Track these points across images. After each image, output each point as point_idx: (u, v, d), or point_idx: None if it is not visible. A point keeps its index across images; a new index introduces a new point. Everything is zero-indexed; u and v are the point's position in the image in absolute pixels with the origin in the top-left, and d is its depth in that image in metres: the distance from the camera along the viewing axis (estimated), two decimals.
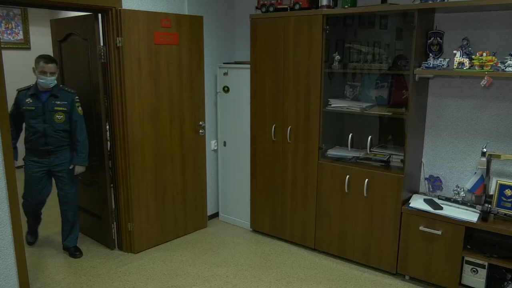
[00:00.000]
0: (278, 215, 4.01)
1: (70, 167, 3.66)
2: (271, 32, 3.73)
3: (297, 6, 3.60)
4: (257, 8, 3.86)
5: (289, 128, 3.76)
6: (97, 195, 3.92)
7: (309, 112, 3.62)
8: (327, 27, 3.43)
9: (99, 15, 3.52)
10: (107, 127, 3.74)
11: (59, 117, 3.51)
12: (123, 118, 3.58)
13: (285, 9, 3.68)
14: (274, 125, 3.85)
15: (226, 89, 4.25)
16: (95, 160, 3.82)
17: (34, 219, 3.97)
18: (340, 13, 3.41)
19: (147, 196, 3.82)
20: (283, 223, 4.00)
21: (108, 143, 3.77)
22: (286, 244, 4.01)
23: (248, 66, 3.96)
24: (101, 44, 3.56)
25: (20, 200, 3.26)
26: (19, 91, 3.54)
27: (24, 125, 3.58)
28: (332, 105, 3.61)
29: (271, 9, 3.76)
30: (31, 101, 3.45)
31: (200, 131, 4.15)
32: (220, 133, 4.41)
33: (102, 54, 3.55)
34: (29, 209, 3.82)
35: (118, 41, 3.44)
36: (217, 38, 4.39)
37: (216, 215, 4.64)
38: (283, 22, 3.64)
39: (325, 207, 3.67)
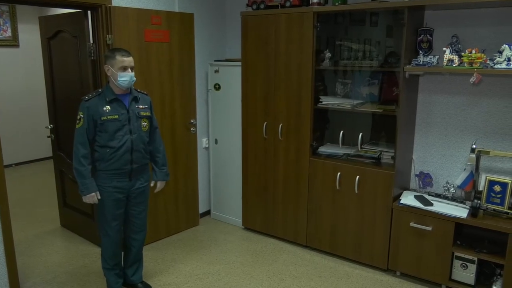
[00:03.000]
0: (270, 212, 4.01)
1: (152, 185, 3.14)
2: (262, 29, 3.73)
3: (288, 3, 3.60)
4: (248, 5, 3.86)
5: (280, 126, 3.76)
6: None
7: (300, 109, 3.62)
8: (318, 24, 3.43)
9: (89, 12, 3.48)
10: None
11: (144, 124, 2.92)
12: None
13: (276, 6, 3.68)
14: (266, 122, 3.85)
15: (217, 87, 4.24)
16: None
17: (119, 255, 3.11)
18: (331, 10, 3.41)
19: None
20: (275, 220, 4.00)
21: None
22: (278, 241, 4.02)
23: (239, 63, 3.96)
24: (91, 41, 3.52)
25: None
26: (87, 99, 2.77)
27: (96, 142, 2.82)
28: (323, 102, 3.61)
29: (262, 6, 3.75)
30: (110, 108, 2.77)
31: (192, 128, 4.14)
32: (212, 130, 4.40)
33: (92, 51, 3.51)
34: (116, 246, 3.01)
35: (108, 39, 3.41)
36: (208, 35, 4.37)
37: (208, 213, 4.64)
38: (274, 19, 3.64)
39: (317, 204, 3.68)
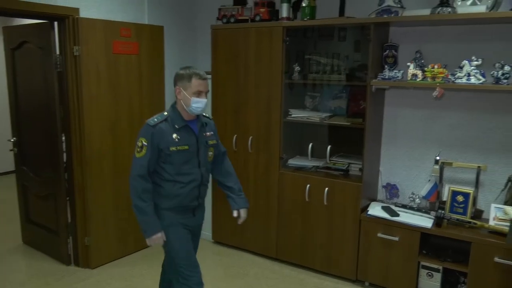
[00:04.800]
0: (240, 226, 3.98)
1: (235, 215, 2.71)
2: (232, 43, 3.76)
3: (257, 18, 3.65)
4: (218, 19, 3.89)
5: (250, 138, 3.78)
6: (52, 208, 3.77)
7: (270, 122, 3.65)
8: (287, 38, 3.49)
9: (55, 23, 3.42)
10: (63, 138, 3.61)
11: (210, 153, 2.56)
12: (80, 128, 3.48)
13: (246, 20, 3.72)
14: (235, 135, 3.86)
15: None
16: (49, 172, 3.68)
17: None
18: (300, 25, 3.49)
19: (105, 209, 3.71)
20: (245, 234, 3.99)
21: (64, 154, 3.64)
22: (248, 254, 4.00)
23: (210, 76, 3.96)
24: (57, 52, 3.46)
25: None
26: (154, 124, 2.35)
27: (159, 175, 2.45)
28: (292, 115, 3.66)
29: (232, 20, 3.79)
30: (179, 137, 2.38)
31: None
32: None
33: (58, 63, 3.44)
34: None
35: (75, 50, 3.36)
36: (178, 48, 4.37)
37: None
38: (244, 33, 3.68)
39: (287, 216, 3.69)
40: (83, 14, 3.43)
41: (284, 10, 3.56)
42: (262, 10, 3.62)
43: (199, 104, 2.37)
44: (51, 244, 3.87)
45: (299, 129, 3.90)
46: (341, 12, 3.47)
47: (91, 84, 3.46)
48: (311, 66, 3.72)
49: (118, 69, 3.63)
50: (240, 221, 2.73)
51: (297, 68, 3.61)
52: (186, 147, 2.39)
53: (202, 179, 2.49)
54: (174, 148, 2.35)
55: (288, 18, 3.57)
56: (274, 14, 3.66)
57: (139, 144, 2.36)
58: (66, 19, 3.34)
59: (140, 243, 4.04)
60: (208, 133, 2.53)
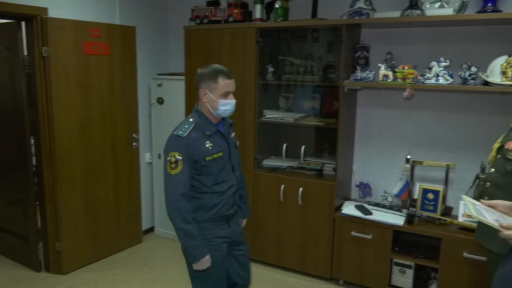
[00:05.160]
0: None
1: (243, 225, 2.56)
2: (205, 43, 3.74)
3: (231, 19, 3.64)
4: (191, 19, 3.86)
5: None
6: (21, 213, 3.67)
7: (244, 123, 3.65)
8: (261, 39, 3.50)
9: (23, 23, 3.33)
10: (32, 141, 3.52)
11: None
12: (49, 131, 3.40)
13: (219, 21, 3.71)
14: None
15: (160, 101, 4.18)
16: (18, 176, 3.58)
17: None
18: (273, 26, 3.51)
19: (77, 213, 3.63)
20: None
21: (34, 158, 3.55)
22: None
23: (183, 77, 3.94)
24: (25, 53, 3.36)
25: None
26: (185, 135, 2.13)
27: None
28: (267, 116, 3.67)
29: (205, 21, 3.77)
30: (212, 144, 2.19)
31: (134, 143, 4.04)
32: (155, 145, 4.32)
33: (26, 64, 3.35)
34: None
35: (43, 51, 3.28)
36: (151, 49, 4.32)
37: (151, 229, 4.52)
38: (217, 34, 3.66)
39: (262, 217, 3.70)
40: (52, 14, 3.35)
41: (257, 11, 3.58)
42: (235, 11, 3.62)
43: (228, 107, 2.18)
44: (21, 250, 3.76)
45: (274, 130, 3.91)
46: (314, 13, 3.51)
47: (61, 86, 3.38)
48: (285, 67, 3.74)
49: (89, 70, 3.56)
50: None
51: (271, 69, 3.63)
52: (221, 153, 2.21)
53: (238, 185, 2.33)
54: (210, 158, 2.15)
55: (261, 19, 3.58)
56: (247, 15, 3.66)
57: (172, 159, 2.10)
58: (34, 19, 3.26)
59: (113, 247, 3.98)
60: (233, 135, 2.39)
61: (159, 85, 4.16)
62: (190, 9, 3.86)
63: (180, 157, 2.10)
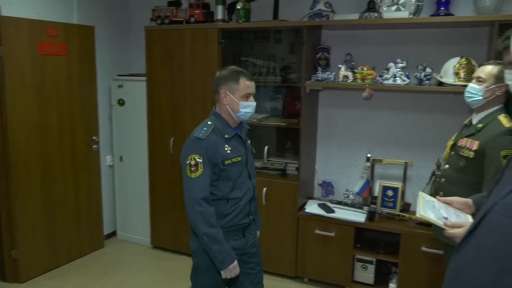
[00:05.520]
0: (180, 229, 3.94)
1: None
2: (167, 44, 3.70)
3: (192, 19, 3.62)
4: (152, 19, 3.81)
5: None
6: None
7: None
8: (223, 40, 3.50)
9: None
10: None
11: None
12: (3, 133, 3.26)
13: (181, 22, 3.68)
14: (173, 138, 3.81)
15: (121, 102, 4.10)
16: None
17: None
18: (235, 27, 3.51)
19: (34, 218, 3.49)
20: (185, 237, 3.92)
21: None
22: (188, 258, 3.93)
23: (145, 78, 3.88)
24: None
25: None
26: (204, 137, 2.05)
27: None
28: None
29: (166, 21, 3.73)
30: (230, 148, 2.12)
31: (94, 146, 3.94)
32: (116, 147, 4.23)
33: None
34: None
35: None
36: (111, 49, 4.23)
37: (113, 234, 4.42)
38: (179, 34, 3.64)
39: None
40: (5, 12, 3.22)
41: (219, 12, 3.58)
42: (197, 11, 3.60)
43: (249, 109, 2.12)
44: None
45: None
46: (275, 15, 3.54)
47: (16, 87, 3.25)
48: (247, 68, 3.76)
49: (46, 71, 3.44)
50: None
51: None
52: (239, 158, 2.13)
53: (254, 193, 2.25)
54: (229, 161, 2.08)
55: (223, 20, 3.59)
56: (209, 16, 3.65)
57: (192, 162, 2.03)
58: None
59: (73, 253, 3.86)
60: (249, 140, 2.32)
61: (120, 86, 4.08)
62: (151, 9, 3.81)
63: (200, 160, 2.02)
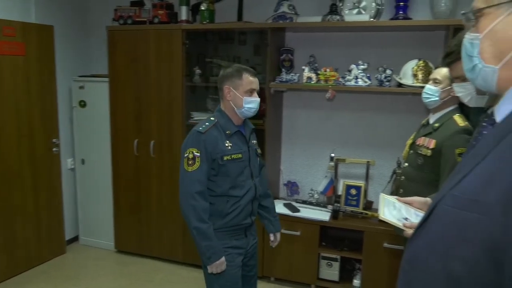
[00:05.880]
0: (144, 232, 3.89)
1: (271, 238, 2.46)
2: (130, 45, 3.65)
3: (156, 20, 3.59)
4: (114, 19, 3.74)
5: (152, 143, 3.70)
6: None
7: (172, 126, 3.61)
8: (187, 41, 3.49)
9: None
10: None
11: (259, 163, 2.36)
12: None
13: (144, 22, 3.64)
14: (137, 139, 3.75)
15: (82, 104, 4.00)
16: None
17: None
18: (199, 28, 3.50)
19: None
20: (150, 240, 3.89)
21: None
22: (154, 261, 3.91)
23: (107, 79, 3.80)
24: None
25: None
26: (204, 130, 2.08)
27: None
28: (195, 118, 3.66)
29: (129, 21, 3.68)
30: (231, 145, 2.13)
31: (54, 149, 3.83)
32: (78, 150, 4.12)
33: None
34: None
35: None
36: (71, 49, 4.12)
37: (76, 239, 4.30)
38: (142, 35, 3.59)
39: None
40: None
41: (183, 13, 3.56)
42: (160, 12, 3.57)
43: (253, 105, 2.14)
44: None
45: None
46: (239, 16, 3.56)
47: None
48: (212, 69, 3.76)
49: (2, 71, 3.32)
50: (275, 245, 2.50)
51: (198, 71, 3.62)
52: (240, 155, 2.14)
53: (255, 192, 2.23)
54: (228, 157, 2.09)
55: (187, 21, 3.57)
56: (173, 16, 3.63)
57: (190, 155, 2.05)
58: None
59: (33, 259, 3.73)
60: (254, 141, 2.31)
61: (81, 87, 3.98)
62: (113, 9, 3.75)
63: (198, 154, 2.04)
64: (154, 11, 3.60)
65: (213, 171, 2.10)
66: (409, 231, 1.37)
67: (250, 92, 2.13)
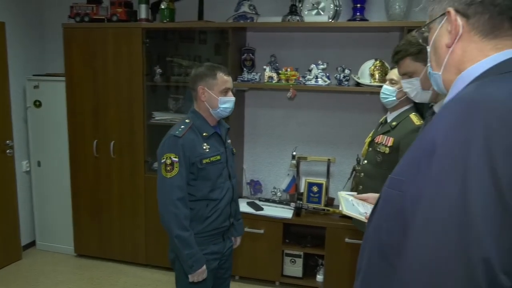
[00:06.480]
0: (106, 235, 3.80)
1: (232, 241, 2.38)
2: (88, 43, 3.55)
3: (114, 18, 3.51)
4: (70, 17, 3.63)
5: (112, 143, 3.62)
6: None
7: (133, 126, 3.56)
8: (147, 40, 3.44)
9: None
10: None
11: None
12: None
13: (102, 20, 3.55)
14: (96, 140, 3.66)
15: (37, 104, 3.86)
16: None
17: None
18: (159, 27, 3.47)
19: None
20: (111, 243, 3.81)
21: None
22: (116, 264, 3.83)
23: (64, 78, 3.68)
24: None
25: None
26: (181, 134, 2.02)
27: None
28: (156, 118, 3.62)
29: (86, 19, 3.58)
30: (209, 147, 2.08)
31: (8, 151, 3.67)
32: (33, 152, 3.97)
33: None
34: None
35: None
36: (25, 47, 3.96)
37: (33, 244, 4.14)
38: (100, 33, 3.51)
39: (155, 221, 3.60)
40: None
41: (143, 11, 3.50)
42: (119, 10, 3.50)
43: (228, 104, 2.10)
44: None
45: (164, 132, 3.83)
46: (200, 16, 3.55)
47: None
48: (173, 68, 3.72)
49: None
50: (234, 247, 2.43)
51: (158, 70, 3.58)
52: (218, 157, 2.09)
53: (233, 194, 2.20)
54: (207, 160, 2.04)
55: (147, 20, 3.52)
56: (132, 14, 3.57)
57: (167, 161, 1.97)
58: None
59: None
60: (229, 141, 2.28)
61: (36, 86, 3.84)
62: (69, 6, 3.63)
63: (176, 159, 1.97)
64: (113, 9, 3.52)
65: (192, 175, 2.06)
66: None
67: (225, 92, 2.09)
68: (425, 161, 0.79)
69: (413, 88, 1.88)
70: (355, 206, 1.65)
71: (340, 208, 1.66)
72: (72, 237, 3.92)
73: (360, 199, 1.68)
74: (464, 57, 0.89)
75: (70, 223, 3.90)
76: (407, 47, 1.85)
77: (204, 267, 2.06)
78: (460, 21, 0.88)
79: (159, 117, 3.62)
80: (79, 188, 3.81)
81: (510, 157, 0.70)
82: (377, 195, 1.65)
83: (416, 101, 1.97)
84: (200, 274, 2.05)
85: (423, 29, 1.03)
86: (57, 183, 3.92)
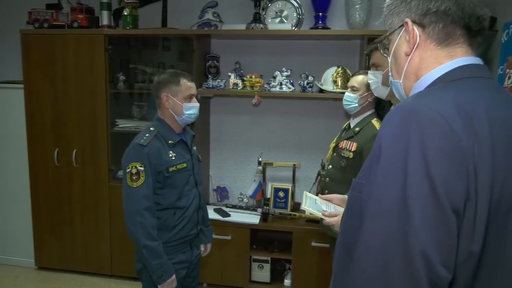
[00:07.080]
0: (68, 246, 3.70)
1: (202, 249, 2.39)
2: (48, 49, 3.46)
3: (75, 24, 3.44)
4: (28, 22, 3.52)
5: (74, 152, 3.53)
6: None
7: (96, 134, 3.49)
8: (110, 47, 3.39)
9: None
10: None
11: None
12: None
13: (63, 26, 3.47)
14: (57, 149, 3.56)
15: None
16: None
17: None
18: (122, 33, 3.43)
19: None
20: (74, 255, 3.70)
21: None
22: (79, 276, 3.72)
23: (22, 86, 3.57)
24: None
25: None
26: (146, 143, 1.99)
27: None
28: (120, 126, 3.56)
29: (45, 25, 3.48)
30: (175, 155, 2.06)
31: None
32: None
33: None
34: None
35: None
36: None
37: None
38: (61, 39, 3.42)
39: (120, 230, 3.56)
40: None
41: (105, 18, 3.45)
42: (80, 16, 3.43)
43: (193, 111, 2.09)
44: None
45: (128, 140, 3.77)
46: (164, 23, 3.53)
47: None
48: (136, 75, 3.68)
49: None
50: (204, 255, 2.44)
51: (122, 77, 3.53)
52: (185, 164, 2.08)
53: (200, 201, 2.20)
54: (174, 168, 2.03)
55: (109, 26, 3.46)
56: (94, 21, 3.50)
57: (133, 170, 1.94)
58: None
59: None
60: (195, 147, 2.27)
61: None
62: (27, 11, 3.53)
63: (141, 168, 1.95)
64: (73, 15, 3.45)
65: (159, 184, 2.04)
66: (327, 219, 1.53)
67: (189, 98, 2.10)
68: (374, 164, 0.87)
69: (375, 80, 1.96)
70: (318, 204, 1.69)
71: (301, 205, 1.71)
72: (32, 249, 3.78)
73: (324, 200, 1.73)
74: (421, 64, 0.97)
75: (31, 235, 3.76)
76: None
77: (174, 276, 2.05)
78: (417, 30, 0.95)
79: (123, 124, 3.57)
80: (39, 199, 3.68)
81: (442, 159, 0.78)
82: (340, 196, 1.71)
83: (375, 94, 2.05)
84: (169, 284, 2.03)
85: (384, 41, 1.09)
86: (15, 194, 3.78)
